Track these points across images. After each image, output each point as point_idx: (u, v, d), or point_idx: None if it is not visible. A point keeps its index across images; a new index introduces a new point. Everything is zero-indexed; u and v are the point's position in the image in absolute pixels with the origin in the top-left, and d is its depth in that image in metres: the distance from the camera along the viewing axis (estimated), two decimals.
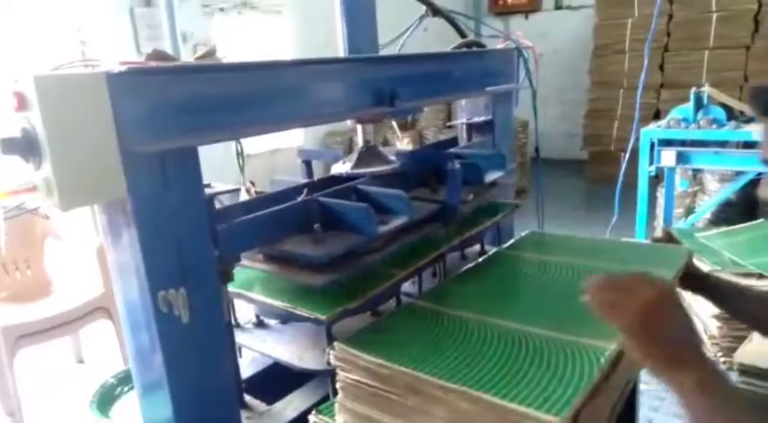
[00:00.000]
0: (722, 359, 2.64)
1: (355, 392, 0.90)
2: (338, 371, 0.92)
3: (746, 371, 1.49)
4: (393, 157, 1.26)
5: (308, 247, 0.98)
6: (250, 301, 1.09)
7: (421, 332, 0.96)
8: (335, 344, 0.92)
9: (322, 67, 1.00)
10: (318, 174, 1.31)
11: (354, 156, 1.22)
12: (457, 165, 1.17)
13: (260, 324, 1.17)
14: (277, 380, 1.16)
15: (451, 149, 1.50)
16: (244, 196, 1.12)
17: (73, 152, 0.69)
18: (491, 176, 1.32)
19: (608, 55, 6.34)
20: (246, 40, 5.38)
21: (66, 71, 0.71)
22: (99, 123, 0.71)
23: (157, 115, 0.75)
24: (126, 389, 1.19)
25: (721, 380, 0.69)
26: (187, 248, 0.83)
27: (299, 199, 1.06)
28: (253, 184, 1.17)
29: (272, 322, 1.17)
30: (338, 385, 0.93)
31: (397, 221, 1.06)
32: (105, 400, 1.17)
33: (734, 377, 1.59)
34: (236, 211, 0.94)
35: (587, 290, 0.75)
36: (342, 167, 1.23)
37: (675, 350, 0.69)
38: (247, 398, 1.05)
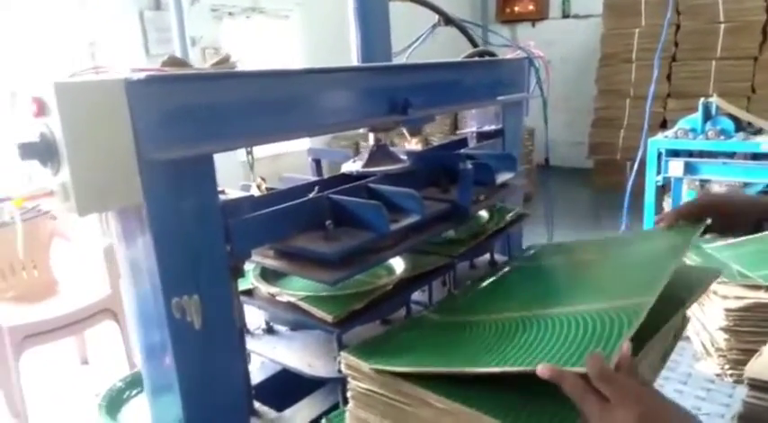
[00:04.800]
0: (729, 372, 2.62)
1: (367, 401, 0.90)
2: (349, 379, 0.92)
3: (756, 385, 1.47)
4: (404, 157, 1.26)
5: (320, 243, 0.97)
6: (258, 301, 1.10)
7: (432, 340, 0.95)
8: (343, 353, 0.92)
9: (337, 76, 1.00)
10: (327, 174, 1.32)
11: (365, 155, 1.23)
12: (469, 165, 1.17)
13: (269, 330, 1.17)
14: (286, 386, 1.16)
15: (462, 150, 1.50)
16: (254, 192, 1.12)
17: (90, 158, 0.70)
18: (502, 178, 1.32)
19: (615, 64, 6.35)
20: (255, 45, 5.41)
21: (85, 78, 0.71)
22: (117, 130, 0.71)
23: (175, 122, 0.75)
24: (134, 392, 1.19)
25: None
26: (201, 256, 0.83)
27: (311, 196, 1.05)
28: (263, 179, 1.16)
29: (281, 329, 1.17)
30: (349, 394, 0.92)
31: (409, 220, 1.05)
32: (114, 403, 1.17)
33: (743, 391, 1.57)
34: (246, 206, 0.94)
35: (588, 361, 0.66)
36: (353, 166, 1.23)
37: None
38: (257, 404, 1.05)
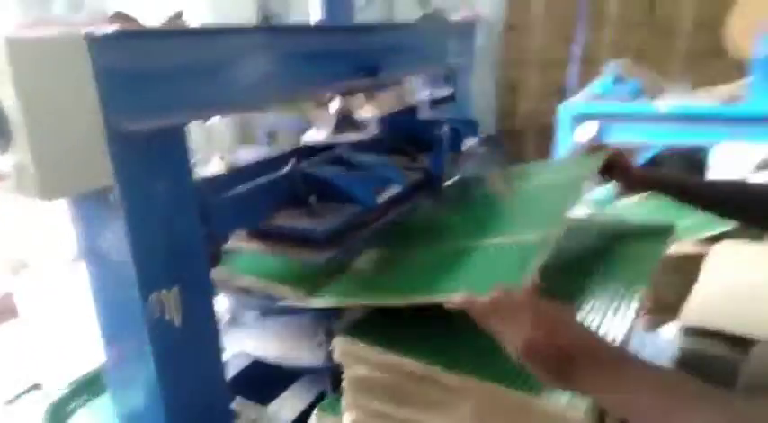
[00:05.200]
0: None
1: (365, 387, 0.84)
2: (344, 366, 0.85)
3: (691, 332, 1.57)
4: (372, 124, 1.19)
5: (305, 220, 0.89)
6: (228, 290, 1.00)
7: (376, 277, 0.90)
8: (336, 338, 0.85)
9: (313, 35, 0.90)
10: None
11: (331, 123, 1.14)
12: (445, 129, 1.12)
13: (233, 321, 1.07)
14: (257, 380, 1.07)
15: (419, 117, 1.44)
16: (217, 167, 1.01)
17: (52, 131, 0.57)
18: (467, 143, 1.29)
19: (518, 30, 6.50)
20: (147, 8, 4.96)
21: (41, 33, 0.57)
22: (81, 97, 0.58)
23: (149, 87, 0.63)
24: (81, 402, 1.06)
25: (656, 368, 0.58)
26: (179, 242, 0.72)
27: (286, 170, 0.95)
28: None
29: (250, 317, 1.07)
30: (345, 382, 0.86)
31: (392, 191, 0.99)
32: (58, 416, 1.03)
33: (653, 336, 1.67)
34: (221, 183, 0.83)
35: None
36: (317, 135, 1.14)
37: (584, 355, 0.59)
38: (238, 400, 0.96)
